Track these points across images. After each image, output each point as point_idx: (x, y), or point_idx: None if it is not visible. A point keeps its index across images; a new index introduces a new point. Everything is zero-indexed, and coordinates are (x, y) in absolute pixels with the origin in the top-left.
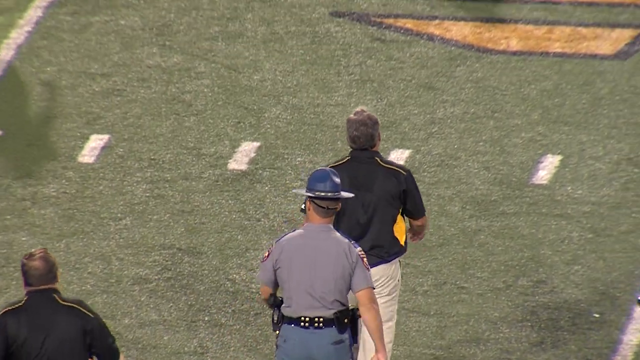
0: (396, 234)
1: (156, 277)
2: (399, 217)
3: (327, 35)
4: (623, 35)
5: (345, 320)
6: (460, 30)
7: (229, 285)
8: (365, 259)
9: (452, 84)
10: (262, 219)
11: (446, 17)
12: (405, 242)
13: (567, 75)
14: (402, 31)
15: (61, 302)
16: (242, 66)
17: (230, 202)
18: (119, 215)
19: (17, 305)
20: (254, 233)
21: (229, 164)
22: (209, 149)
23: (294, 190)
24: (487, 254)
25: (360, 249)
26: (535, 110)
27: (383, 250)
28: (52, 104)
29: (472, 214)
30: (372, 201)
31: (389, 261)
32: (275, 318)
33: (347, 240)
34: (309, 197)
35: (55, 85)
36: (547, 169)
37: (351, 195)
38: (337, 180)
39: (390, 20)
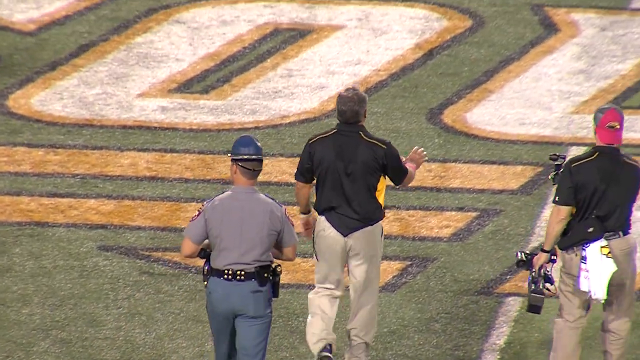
0: (378, 201)
1: None
2: (379, 185)
3: (95, 269)
4: (391, 268)
5: (265, 275)
6: None
7: None
8: (289, 217)
9: None
10: None
11: None
12: (384, 208)
13: None
14: (170, 264)
15: None
16: (11, 300)
17: None
18: None
19: None
20: None
21: None
22: None
23: (232, 157)
24: None
25: (284, 208)
26: None
27: (366, 216)
28: None
29: None
30: (354, 171)
31: (373, 225)
32: (205, 270)
33: (271, 201)
34: (235, 160)
35: None
36: None
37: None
38: (259, 144)
39: (159, 254)
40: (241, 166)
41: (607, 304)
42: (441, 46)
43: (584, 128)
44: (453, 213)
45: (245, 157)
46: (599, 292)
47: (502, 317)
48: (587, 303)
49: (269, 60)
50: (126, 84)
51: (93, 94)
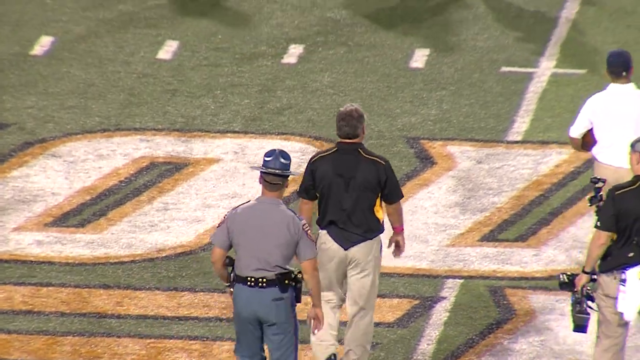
0: (377, 216)
1: None
2: (378, 201)
3: None
4: None
5: (287, 282)
6: None
7: None
8: (309, 232)
9: None
10: None
11: None
12: (383, 222)
13: None
14: None
15: None
16: None
17: None
18: None
19: None
20: None
21: None
22: None
23: (251, 167)
24: None
25: (305, 222)
26: None
27: (365, 230)
28: None
29: None
30: (355, 187)
31: (371, 239)
32: (231, 276)
33: (291, 213)
34: (260, 171)
35: None
36: None
37: (297, 173)
38: (284, 160)
39: None
40: (263, 178)
41: None
42: None
43: (461, 261)
44: None
45: (264, 169)
46: (630, 314)
47: None
48: (623, 322)
49: (145, 193)
50: (2, 218)
51: None
